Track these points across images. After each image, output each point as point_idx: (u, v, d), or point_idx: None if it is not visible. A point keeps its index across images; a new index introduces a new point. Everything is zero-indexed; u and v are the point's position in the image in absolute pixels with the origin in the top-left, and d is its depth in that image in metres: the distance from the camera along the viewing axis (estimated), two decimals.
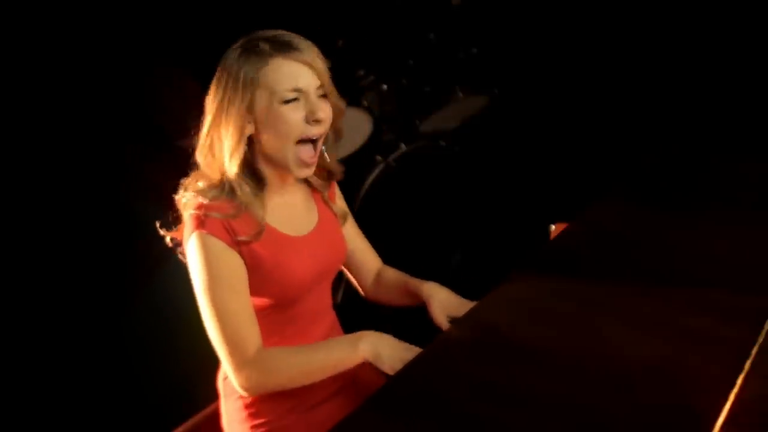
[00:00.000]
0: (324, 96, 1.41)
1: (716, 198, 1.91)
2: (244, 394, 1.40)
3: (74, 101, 3.16)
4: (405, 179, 3.09)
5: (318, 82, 1.39)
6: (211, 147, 1.39)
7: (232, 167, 1.37)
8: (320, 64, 1.40)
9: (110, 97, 3.25)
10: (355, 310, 1.73)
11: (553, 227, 2.04)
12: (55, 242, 2.91)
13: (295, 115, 1.37)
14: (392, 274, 1.70)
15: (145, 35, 3.24)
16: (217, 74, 1.39)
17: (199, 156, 1.42)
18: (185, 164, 1.46)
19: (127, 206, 3.00)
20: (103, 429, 2.37)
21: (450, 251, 3.32)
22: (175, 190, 1.45)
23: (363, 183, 2.99)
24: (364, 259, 1.68)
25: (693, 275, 1.50)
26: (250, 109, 1.36)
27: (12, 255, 2.81)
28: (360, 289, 1.71)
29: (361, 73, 3.13)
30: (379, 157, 3.03)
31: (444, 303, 1.53)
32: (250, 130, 1.37)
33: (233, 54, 1.38)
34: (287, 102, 1.36)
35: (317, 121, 1.39)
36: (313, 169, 1.43)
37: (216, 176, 1.40)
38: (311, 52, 1.39)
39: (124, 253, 3.00)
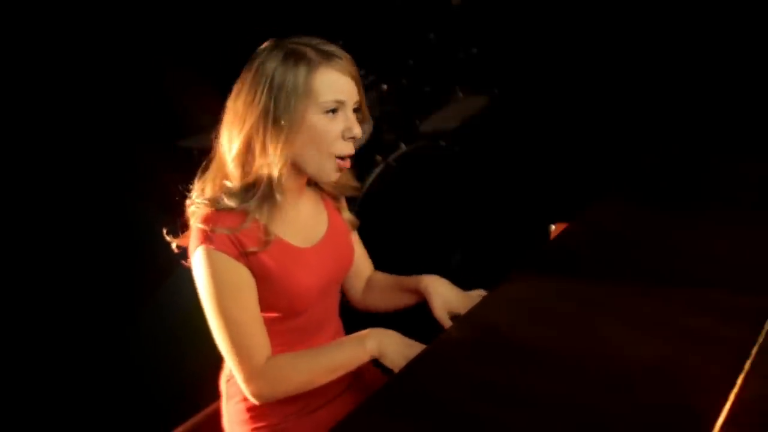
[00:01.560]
0: (356, 111, 1.40)
1: (716, 198, 1.91)
2: (256, 402, 1.39)
3: (84, 105, 3.17)
4: (405, 179, 3.09)
5: (357, 97, 1.39)
6: (245, 152, 1.35)
7: (275, 171, 1.33)
8: (359, 77, 1.39)
9: (118, 100, 3.26)
10: (357, 314, 1.72)
11: (553, 227, 2.04)
12: (63, 244, 2.94)
13: (333, 127, 1.35)
14: (384, 276, 1.69)
15: (152, 36, 3.25)
16: (252, 77, 1.34)
17: (232, 161, 1.36)
18: (190, 167, 1.45)
19: (134, 210, 3.01)
20: (106, 428, 2.37)
21: (450, 251, 3.32)
22: (181, 195, 1.43)
23: (363, 183, 2.99)
24: (361, 267, 1.66)
25: (693, 275, 1.50)
26: (289, 115, 1.32)
27: (21, 256, 2.84)
28: (349, 296, 1.69)
29: (361, 73, 3.12)
30: (379, 157, 3.03)
31: (444, 297, 1.53)
32: (293, 135, 1.33)
33: (273, 58, 1.33)
34: (327, 112, 1.34)
35: (353, 138, 1.38)
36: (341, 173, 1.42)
37: (236, 182, 1.36)
38: (352, 64, 1.38)
39: (132, 255, 3.01)
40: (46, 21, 3.03)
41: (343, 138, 1.37)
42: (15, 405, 2.41)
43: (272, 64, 1.33)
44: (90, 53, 3.14)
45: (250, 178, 1.36)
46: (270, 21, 3.42)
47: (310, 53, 1.34)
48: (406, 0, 3.55)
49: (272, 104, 1.32)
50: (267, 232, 1.36)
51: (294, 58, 1.33)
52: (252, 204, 1.35)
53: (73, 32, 3.07)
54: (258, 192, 1.35)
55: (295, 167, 1.39)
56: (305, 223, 1.48)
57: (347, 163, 1.40)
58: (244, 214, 1.35)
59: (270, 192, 1.35)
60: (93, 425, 2.37)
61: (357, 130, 1.37)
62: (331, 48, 1.37)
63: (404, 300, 1.63)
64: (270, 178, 1.34)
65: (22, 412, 2.40)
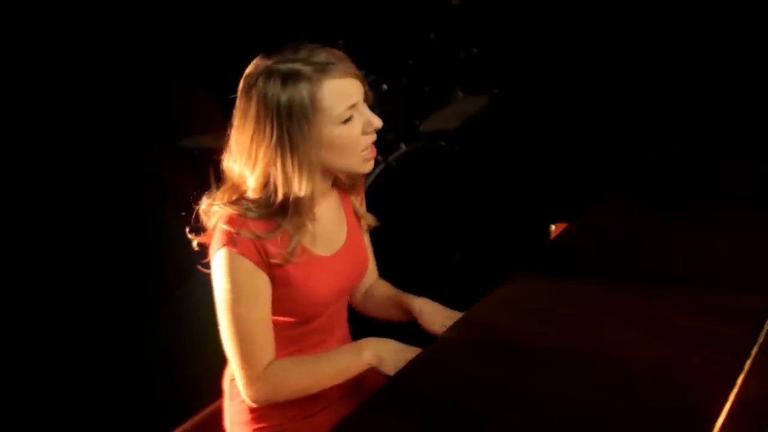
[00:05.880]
0: (364, 101, 1.38)
1: (717, 198, 1.91)
2: (254, 405, 1.39)
3: (84, 107, 3.18)
4: (405, 179, 3.09)
5: (363, 89, 1.37)
6: (266, 183, 1.32)
7: (302, 193, 1.31)
8: (358, 70, 1.36)
9: (132, 105, 3.26)
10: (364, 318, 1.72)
11: (553, 227, 2.04)
12: (77, 245, 2.95)
13: (354, 131, 1.34)
14: (384, 287, 1.68)
15: (158, 41, 3.26)
16: (255, 110, 1.29)
17: (253, 192, 1.33)
18: (201, 169, 1.43)
19: (150, 213, 3.02)
20: (109, 425, 2.38)
21: (450, 251, 3.32)
22: (195, 197, 1.41)
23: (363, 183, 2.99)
24: (368, 272, 1.65)
25: (693, 275, 1.50)
26: (306, 139, 1.29)
27: (36, 259, 2.86)
28: (350, 298, 1.67)
29: (362, 72, 3.12)
30: (379, 157, 3.03)
31: (434, 315, 1.52)
32: (315, 154, 1.31)
33: (271, 86, 1.28)
34: (344, 122, 1.32)
35: (375, 130, 1.37)
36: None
37: (262, 208, 1.33)
38: (348, 60, 1.35)
39: (144, 256, 3.03)
40: (51, 25, 3.05)
41: (365, 133, 1.36)
42: (20, 399, 2.42)
43: (273, 93, 1.28)
44: (90, 54, 3.15)
45: (276, 206, 1.33)
46: (271, 22, 3.42)
47: (306, 70, 1.29)
48: (406, 0, 3.55)
49: (285, 134, 1.29)
50: (293, 249, 1.35)
51: (292, 80, 1.28)
52: (282, 222, 1.34)
53: (75, 34, 3.08)
54: (287, 216, 1.33)
55: (323, 172, 1.38)
56: (328, 230, 1.47)
57: (373, 151, 1.39)
58: (272, 222, 1.33)
59: (298, 214, 1.34)
60: (96, 422, 2.38)
61: (376, 122, 1.36)
62: (323, 56, 1.32)
63: (397, 316, 1.62)
64: (297, 201, 1.32)
65: (28, 406, 2.41)
